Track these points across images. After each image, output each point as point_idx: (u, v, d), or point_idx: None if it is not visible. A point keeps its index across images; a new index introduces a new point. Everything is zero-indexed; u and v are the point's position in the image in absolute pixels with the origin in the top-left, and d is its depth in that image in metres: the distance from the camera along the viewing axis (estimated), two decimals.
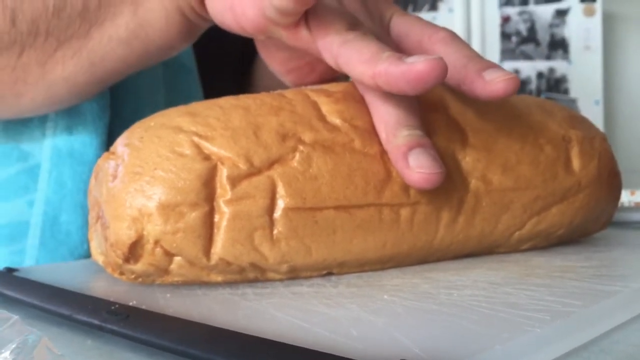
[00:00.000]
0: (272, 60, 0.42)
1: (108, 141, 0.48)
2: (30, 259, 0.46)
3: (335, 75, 0.40)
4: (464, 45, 0.36)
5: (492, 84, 0.33)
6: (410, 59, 0.30)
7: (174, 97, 0.54)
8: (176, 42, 0.42)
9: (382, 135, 0.33)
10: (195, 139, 0.31)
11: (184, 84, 0.56)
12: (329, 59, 0.34)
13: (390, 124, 0.33)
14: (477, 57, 0.35)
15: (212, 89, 0.49)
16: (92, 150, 0.46)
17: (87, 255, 0.46)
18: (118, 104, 0.50)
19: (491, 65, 0.34)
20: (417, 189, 0.33)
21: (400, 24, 0.39)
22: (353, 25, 0.34)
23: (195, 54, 0.59)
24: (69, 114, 0.47)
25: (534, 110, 0.40)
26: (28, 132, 0.47)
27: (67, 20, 0.39)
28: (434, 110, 0.36)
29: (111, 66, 0.42)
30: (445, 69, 0.29)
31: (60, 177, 0.46)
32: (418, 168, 0.31)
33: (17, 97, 0.42)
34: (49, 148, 0.46)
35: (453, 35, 0.37)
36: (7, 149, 0.47)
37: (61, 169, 0.46)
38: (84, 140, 0.46)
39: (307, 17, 0.34)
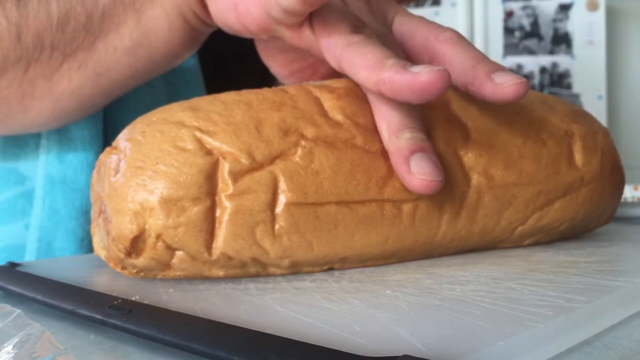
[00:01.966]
0: (273, 63, 0.42)
1: None
2: None
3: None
4: (471, 46, 0.36)
5: (503, 87, 0.33)
6: (415, 69, 0.30)
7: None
8: (180, 49, 0.42)
9: (384, 134, 0.33)
10: (198, 133, 0.31)
11: (187, 87, 0.56)
12: (332, 60, 0.34)
13: (393, 124, 0.33)
14: (486, 59, 0.35)
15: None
16: (83, 177, 0.47)
17: None
18: (119, 122, 0.50)
19: (500, 68, 0.34)
20: (416, 193, 0.33)
21: (404, 24, 0.39)
22: (357, 27, 0.34)
23: (207, 68, 0.59)
24: (59, 142, 0.47)
25: (536, 106, 0.40)
26: (24, 155, 0.48)
27: (72, 34, 0.40)
28: (436, 106, 0.36)
29: (117, 76, 0.42)
30: (449, 80, 0.29)
31: (53, 204, 0.46)
32: (419, 174, 0.31)
33: (25, 112, 0.42)
34: (42, 175, 0.47)
35: (459, 35, 0.37)
36: (5, 171, 0.47)
37: (54, 196, 0.46)
38: (75, 168, 0.47)
39: (311, 16, 0.34)
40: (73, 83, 0.41)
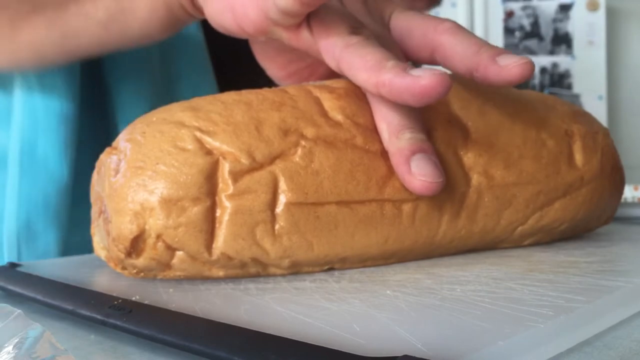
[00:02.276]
0: (270, 65, 0.41)
1: (87, 89, 0.49)
2: (12, 187, 0.47)
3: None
4: (471, 34, 0.36)
5: (508, 69, 0.32)
6: (416, 72, 0.30)
7: (172, 64, 0.54)
8: (156, 33, 0.41)
9: (384, 135, 0.33)
10: (198, 133, 0.31)
11: (185, 53, 0.55)
12: (331, 62, 0.34)
13: (393, 125, 0.33)
14: (488, 44, 0.35)
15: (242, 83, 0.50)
16: (60, 78, 0.47)
17: (65, 180, 0.48)
18: (108, 63, 0.50)
19: (503, 51, 0.34)
20: (416, 194, 0.32)
21: (402, 20, 0.38)
22: (356, 28, 0.34)
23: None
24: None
25: (537, 105, 0.40)
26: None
27: None
28: (436, 106, 0.36)
29: (84, 43, 0.42)
30: (449, 84, 0.29)
31: (33, 107, 0.47)
32: (420, 175, 0.31)
33: None
34: (19, 79, 0.47)
35: (458, 25, 0.37)
36: None
37: (33, 100, 0.47)
38: (52, 70, 0.47)
39: (309, 17, 0.34)
40: (35, 37, 0.41)
